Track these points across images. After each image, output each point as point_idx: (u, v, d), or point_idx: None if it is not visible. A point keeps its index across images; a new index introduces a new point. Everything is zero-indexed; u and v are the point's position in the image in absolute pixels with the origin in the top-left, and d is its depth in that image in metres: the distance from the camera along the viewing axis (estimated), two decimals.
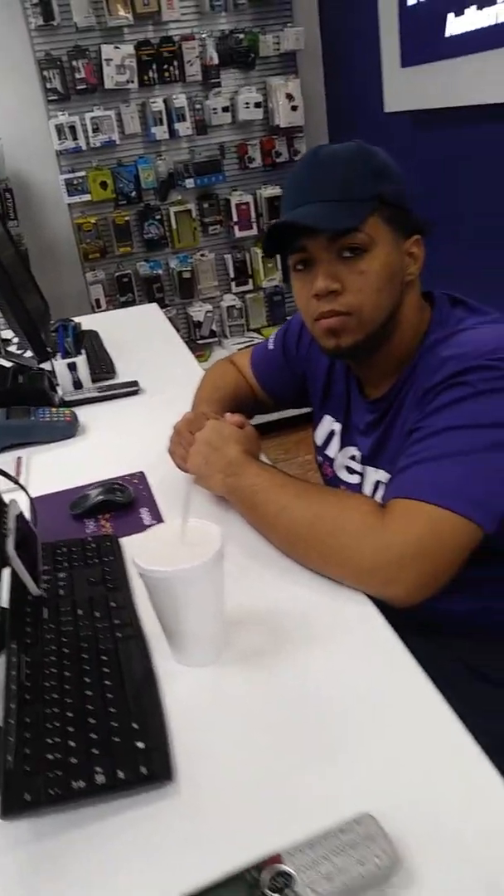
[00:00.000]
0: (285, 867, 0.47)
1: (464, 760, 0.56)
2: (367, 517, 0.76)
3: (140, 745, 0.58)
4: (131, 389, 1.42)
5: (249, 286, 3.11)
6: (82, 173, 2.69)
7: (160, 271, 2.94)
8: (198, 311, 3.04)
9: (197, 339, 3.06)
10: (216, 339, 3.12)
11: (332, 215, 0.81)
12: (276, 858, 0.48)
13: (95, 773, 0.55)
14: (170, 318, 2.99)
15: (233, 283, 3.10)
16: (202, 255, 2.99)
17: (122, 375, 1.53)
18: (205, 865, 0.48)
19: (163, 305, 2.94)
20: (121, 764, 0.56)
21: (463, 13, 1.83)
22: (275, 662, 0.68)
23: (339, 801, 0.52)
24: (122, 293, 2.91)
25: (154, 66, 2.62)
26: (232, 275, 3.08)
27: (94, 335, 1.77)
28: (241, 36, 2.67)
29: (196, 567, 0.63)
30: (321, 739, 0.60)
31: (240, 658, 0.69)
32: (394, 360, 0.91)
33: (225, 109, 2.72)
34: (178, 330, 3.03)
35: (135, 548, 0.66)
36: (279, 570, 0.81)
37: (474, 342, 0.82)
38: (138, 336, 1.90)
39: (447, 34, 1.92)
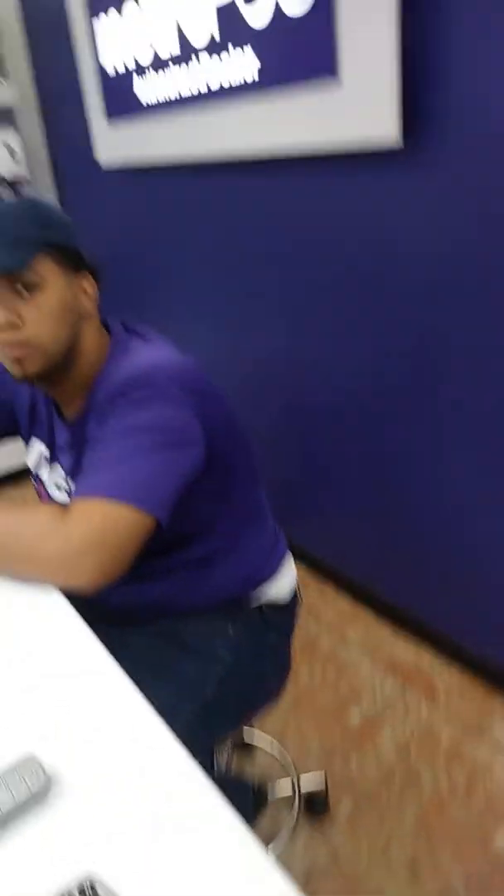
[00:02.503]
0: None
1: (113, 698, 0.70)
2: (50, 519, 0.87)
3: None
4: None
5: None
6: None
7: None
8: None
9: None
10: None
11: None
12: None
13: None
14: None
15: None
16: None
17: None
18: None
19: None
20: None
21: (149, 80, 2.06)
22: None
23: (10, 749, 0.62)
24: None
25: None
26: None
27: None
28: None
29: None
30: (7, 705, 0.70)
31: None
32: (81, 383, 1.04)
33: None
34: None
35: None
36: None
37: (138, 362, 0.98)
38: None
39: (141, 99, 2.13)
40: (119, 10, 2.07)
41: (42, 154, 3.03)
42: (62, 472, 1.13)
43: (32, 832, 0.56)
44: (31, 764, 0.59)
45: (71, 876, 0.49)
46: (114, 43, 2.17)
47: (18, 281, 0.93)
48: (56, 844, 0.55)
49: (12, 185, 2.91)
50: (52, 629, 0.81)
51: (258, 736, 1.71)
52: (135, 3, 1.99)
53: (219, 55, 1.77)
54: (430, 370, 1.63)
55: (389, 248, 1.60)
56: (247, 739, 1.70)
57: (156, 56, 2.00)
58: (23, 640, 0.80)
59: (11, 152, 2.82)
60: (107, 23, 2.15)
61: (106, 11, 2.13)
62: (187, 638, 1.09)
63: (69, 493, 1.12)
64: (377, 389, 1.80)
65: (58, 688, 0.72)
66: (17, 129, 2.87)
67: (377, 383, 1.79)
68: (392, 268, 1.62)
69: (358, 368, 1.83)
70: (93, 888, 0.48)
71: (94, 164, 2.56)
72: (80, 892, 0.48)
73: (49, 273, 0.96)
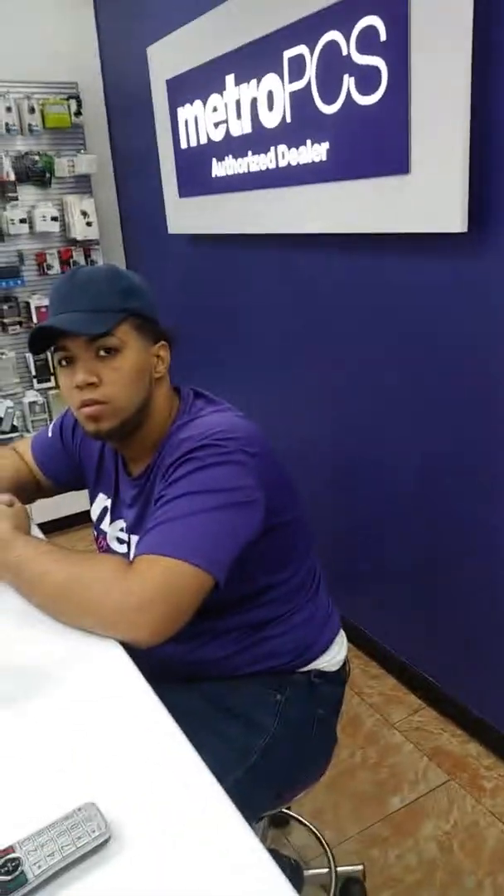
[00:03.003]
0: (15, 854, 0.56)
1: (172, 756, 0.70)
2: (114, 572, 0.90)
3: None
4: None
5: (52, 383, 3.21)
6: None
7: None
8: None
9: None
10: (18, 433, 3.15)
11: (86, 322, 0.98)
12: (7, 850, 0.57)
13: None
14: None
15: (34, 381, 3.18)
16: (3, 354, 3.06)
17: None
18: None
19: None
20: None
21: (223, 160, 2.20)
22: (25, 703, 0.79)
23: (71, 797, 0.62)
24: None
25: None
26: (34, 372, 3.17)
27: None
28: (37, 158, 2.90)
29: None
30: (58, 755, 0.71)
31: None
32: (149, 442, 1.09)
33: (22, 221, 2.90)
34: None
35: None
36: (37, 627, 0.92)
37: (205, 426, 1.01)
38: None
39: (213, 175, 2.27)
40: (204, 101, 2.23)
41: (113, 218, 3.23)
42: (123, 527, 1.16)
43: (93, 882, 0.56)
44: (92, 812, 0.59)
45: None
46: (192, 126, 2.33)
47: (100, 345, 0.99)
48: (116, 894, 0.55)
49: (84, 246, 3.09)
50: (112, 681, 0.82)
51: (295, 814, 1.65)
52: (219, 95, 2.14)
53: (289, 138, 1.89)
54: (488, 450, 1.63)
55: (450, 328, 1.64)
56: (283, 816, 1.64)
57: (228, 135, 2.14)
58: (83, 690, 0.81)
59: (86, 217, 3.01)
60: (189, 110, 2.32)
61: (192, 102, 2.29)
62: (235, 703, 1.08)
63: (128, 548, 1.15)
64: (434, 469, 1.80)
65: (115, 738, 0.73)
66: (92, 195, 3.06)
67: (433, 463, 1.79)
68: (450, 346, 1.65)
69: (414, 447, 1.84)
70: None
71: (162, 229, 2.71)
72: None
73: (128, 338, 1.01)
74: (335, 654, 1.16)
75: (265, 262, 2.24)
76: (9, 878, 0.54)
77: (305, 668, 1.13)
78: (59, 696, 0.79)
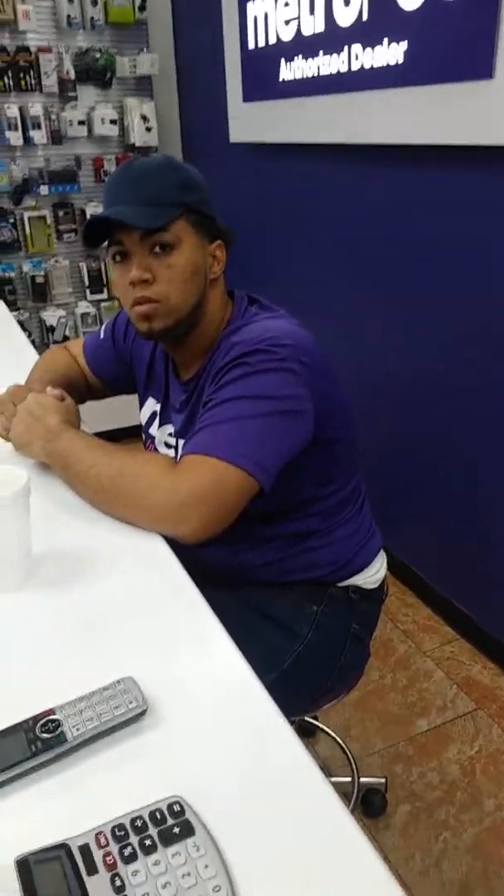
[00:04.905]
0: (55, 716, 0.58)
1: (209, 644, 0.72)
2: (162, 469, 0.90)
3: None
4: None
5: (104, 294, 3.19)
6: None
7: (12, 274, 2.96)
8: (51, 316, 3.08)
9: (50, 344, 3.09)
10: None
11: (142, 215, 0.95)
12: (48, 712, 0.59)
13: None
14: (22, 322, 3.01)
15: (87, 291, 3.17)
16: (56, 262, 3.04)
17: None
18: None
19: (15, 308, 2.95)
20: None
21: (293, 61, 2.07)
22: (71, 586, 0.80)
23: (111, 672, 0.64)
24: None
25: (10, 73, 2.67)
26: (87, 282, 3.15)
27: None
28: (98, 55, 2.79)
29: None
30: (101, 634, 0.73)
31: (42, 583, 0.81)
32: (201, 346, 1.06)
33: (81, 123, 2.82)
34: (30, 333, 3.07)
35: None
36: (84, 518, 0.93)
37: (258, 331, 0.98)
38: None
39: (281, 78, 2.15)
40: None
41: (174, 124, 3.10)
42: (172, 431, 1.16)
43: (128, 748, 0.57)
44: (131, 685, 0.61)
45: (161, 795, 0.51)
46: (261, 24, 2.20)
47: (154, 239, 0.96)
48: (149, 764, 0.56)
49: (143, 152, 3.00)
50: (155, 573, 0.83)
51: (322, 726, 1.70)
52: None
53: (365, 37, 1.76)
54: None
55: None
56: (311, 726, 1.69)
57: (299, 33, 2.01)
58: (127, 580, 0.82)
59: (146, 122, 2.90)
60: (259, 5, 2.18)
61: None
62: (272, 609, 1.09)
63: (176, 452, 1.15)
64: (485, 399, 1.74)
65: (156, 625, 0.74)
66: (153, 98, 2.94)
67: (483, 398, 1.73)
68: None
69: (465, 377, 1.78)
70: (181, 809, 0.49)
71: (224, 137, 2.60)
72: (168, 811, 0.49)
73: (184, 234, 0.98)
74: (374, 573, 1.16)
75: (331, 173, 2.14)
76: (49, 735, 0.56)
77: (344, 583, 1.13)
78: (105, 583, 0.81)
